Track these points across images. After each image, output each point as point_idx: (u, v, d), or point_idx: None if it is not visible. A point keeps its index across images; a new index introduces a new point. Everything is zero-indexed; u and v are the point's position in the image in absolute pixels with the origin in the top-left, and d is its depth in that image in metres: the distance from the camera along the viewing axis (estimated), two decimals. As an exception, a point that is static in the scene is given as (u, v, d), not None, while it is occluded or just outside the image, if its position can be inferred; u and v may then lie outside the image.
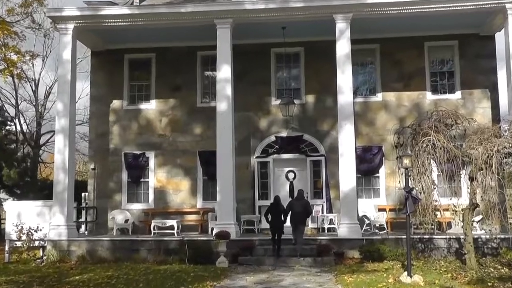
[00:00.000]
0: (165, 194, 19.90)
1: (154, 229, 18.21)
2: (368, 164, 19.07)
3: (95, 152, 20.48)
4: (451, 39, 19.38)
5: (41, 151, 34.57)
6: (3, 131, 28.70)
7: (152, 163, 20.09)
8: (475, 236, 15.36)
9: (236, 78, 18.25)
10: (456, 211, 15.26)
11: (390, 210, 18.49)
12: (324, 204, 18.92)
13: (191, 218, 19.46)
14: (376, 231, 17.91)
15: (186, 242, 15.93)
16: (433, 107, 17.78)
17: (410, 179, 14.05)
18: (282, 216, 15.66)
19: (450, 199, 15.00)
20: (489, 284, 11.96)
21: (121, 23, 17.99)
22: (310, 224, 18.49)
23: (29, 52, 26.42)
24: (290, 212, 15.78)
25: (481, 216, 16.29)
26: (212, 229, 17.19)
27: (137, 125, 20.36)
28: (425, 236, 15.55)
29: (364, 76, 20.03)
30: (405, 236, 13.56)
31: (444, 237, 16.03)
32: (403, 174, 13.49)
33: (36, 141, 33.33)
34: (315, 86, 19.70)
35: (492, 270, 13.82)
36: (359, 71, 19.73)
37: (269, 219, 15.91)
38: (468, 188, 14.83)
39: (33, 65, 30.60)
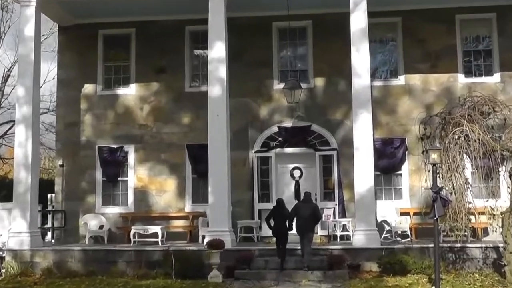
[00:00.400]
0: (147, 195, 19.85)
1: (134, 237, 18.13)
2: (388, 160, 19.01)
3: (64, 145, 20.41)
4: (488, 11, 19.26)
5: (-2, 145, 34.45)
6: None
7: (131, 158, 20.04)
8: (517, 245, 15.23)
9: (232, 58, 18.09)
10: (494, 215, 15.22)
11: (415, 214, 18.39)
12: (336, 207, 18.87)
13: (178, 224, 19.43)
14: (398, 239, 17.85)
15: (172, 253, 15.88)
16: (466, 92, 17.73)
17: (439, 177, 14.01)
18: (287, 221, 15.57)
19: (487, 200, 14.99)
20: (534, 301, 11.89)
21: (94, -8, 17.93)
22: (320, 231, 18.44)
23: (-16, 28, 26.25)
24: (295, 217, 15.65)
25: (523, 221, 16.22)
26: (203, 237, 17.14)
27: (113, 113, 20.28)
28: (456, 245, 15.50)
29: (383, 56, 19.96)
30: (432, 245, 13.57)
31: (479, 245, 15.89)
32: (431, 172, 13.45)
33: (-8, 133, 33.18)
34: (325, 67, 19.63)
35: (537, 284, 13.78)
36: (377, 50, 19.66)
37: (271, 225, 15.82)
38: (508, 187, 14.83)
39: (-12, 44, 30.45)
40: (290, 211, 15.81)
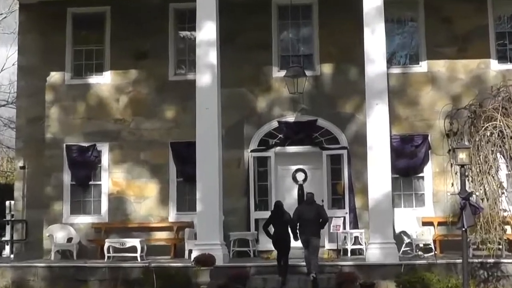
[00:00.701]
0: (124, 202, 19.88)
1: (108, 252, 18.13)
2: (408, 160, 19.04)
3: (25, 144, 20.43)
4: (525, -14, 19.37)
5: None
6: None
7: (105, 159, 20.10)
8: (561, 260, 15.40)
9: (224, 41, 18.14)
10: (533, 225, 15.24)
11: (440, 224, 18.42)
12: (347, 217, 18.89)
13: (161, 236, 19.47)
14: (420, 253, 17.83)
15: (153, 270, 15.91)
16: (500, 81, 17.82)
17: (468, 180, 13.95)
18: (289, 229, 15.60)
19: (525, 208, 14.97)
20: None
21: (61, -38, 17.91)
22: (327, 244, 18.47)
23: None
24: (298, 223, 15.66)
25: None
26: (190, 251, 17.19)
27: (84, 106, 20.32)
28: (489, 260, 15.51)
29: (402, 38, 20.09)
30: (460, 260, 13.59)
31: (516, 261, 16.04)
32: (458, 174, 13.42)
33: None
34: (333, 52, 19.69)
35: None
36: (395, 31, 19.78)
37: (270, 233, 15.88)
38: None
39: None
40: (292, 215, 15.83)
